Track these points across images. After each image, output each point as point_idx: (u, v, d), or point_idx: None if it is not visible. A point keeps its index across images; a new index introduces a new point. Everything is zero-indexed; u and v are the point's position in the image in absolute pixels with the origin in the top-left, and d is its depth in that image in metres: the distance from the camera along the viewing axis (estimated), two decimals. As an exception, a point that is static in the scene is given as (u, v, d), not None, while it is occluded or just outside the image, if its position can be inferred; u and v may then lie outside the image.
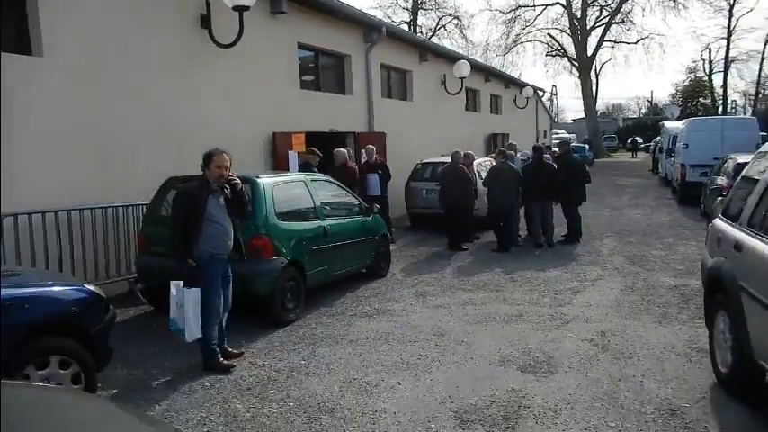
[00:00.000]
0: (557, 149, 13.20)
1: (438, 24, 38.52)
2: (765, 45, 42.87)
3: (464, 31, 38.79)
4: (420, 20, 38.58)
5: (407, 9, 37.93)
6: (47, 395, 2.04)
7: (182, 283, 4.55)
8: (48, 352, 3.63)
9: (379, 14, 35.21)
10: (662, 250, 9.44)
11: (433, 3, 38.01)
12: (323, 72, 11.36)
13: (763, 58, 42.80)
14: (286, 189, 6.24)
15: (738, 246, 4.05)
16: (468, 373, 4.63)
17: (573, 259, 8.97)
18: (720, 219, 4.83)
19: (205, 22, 7.67)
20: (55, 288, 3.86)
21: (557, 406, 3.96)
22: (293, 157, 9.65)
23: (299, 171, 8.53)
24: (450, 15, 38.28)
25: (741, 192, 4.74)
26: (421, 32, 37.36)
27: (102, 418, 1.83)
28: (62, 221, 6.08)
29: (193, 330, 4.56)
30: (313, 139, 10.06)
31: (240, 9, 7.37)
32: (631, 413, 3.84)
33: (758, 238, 3.80)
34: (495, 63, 36.52)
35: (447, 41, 37.52)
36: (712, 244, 4.77)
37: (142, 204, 6.68)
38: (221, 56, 7.91)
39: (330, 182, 7.45)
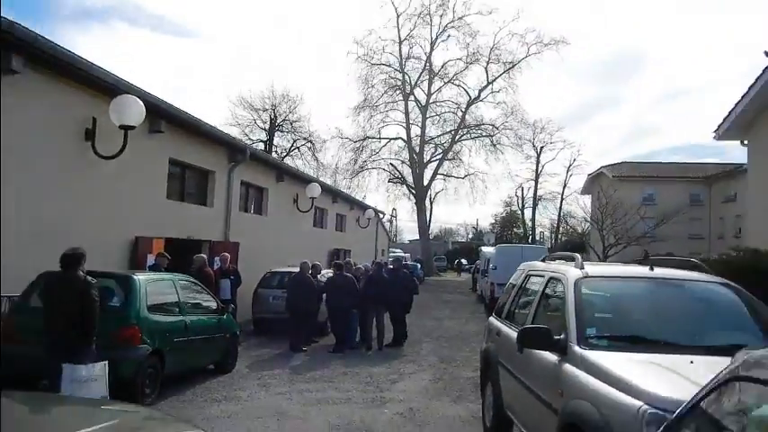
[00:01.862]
0: (391, 266, 15.29)
1: (293, 145, 41.34)
2: (563, 188, 52.07)
3: (316, 153, 41.67)
4: (276, 140, 41.18)
5: (265, 129, 40.39)
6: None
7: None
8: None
9: (236, 131, 37.16)
10: (468, 352, 11.47)
11: (290, 126, 41.01)
12: (189, 184, 12.46)
13: (562, 199, 51.64)
14: (157, 286, 7.20)
15: (497, 332, 5.91)
16: (304, 437, 5.81)
17: (396, 358, 10.60)
18: (493, 316, 6.73)
19: (89, 135, 8.64)
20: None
21: (370, 454, 5.30)
22: (150, 260, 10.41)
23: (147, 270, 9.30)
24: (304, 139, 41.36)
25: (504, 296, 6.75)
26: (276, 152, 39.75)
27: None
28: None
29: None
30: (173, 243, 10.94)
31: (126, 128, 8.50)
32: (422, 457, 5.30)
33: (507, 326, 5.68)
34: (343, 184, 39.74)
35: (300, 161, 40.22)
36: (487, 335, 6.63)
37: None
38: (101, 166, 8.80)
39: (193, 282, 8.46)
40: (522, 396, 4.74)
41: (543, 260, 6.22)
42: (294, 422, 6.33)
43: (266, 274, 13.39)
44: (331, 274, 12.29)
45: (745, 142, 14.25)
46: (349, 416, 6.63)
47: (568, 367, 3.86)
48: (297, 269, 11.86)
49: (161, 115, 10.29)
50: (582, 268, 4.71)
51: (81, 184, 8.70)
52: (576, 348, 3.89)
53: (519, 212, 58.35)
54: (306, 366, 9.70)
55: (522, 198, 56.59)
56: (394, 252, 36.08)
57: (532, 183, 53.69)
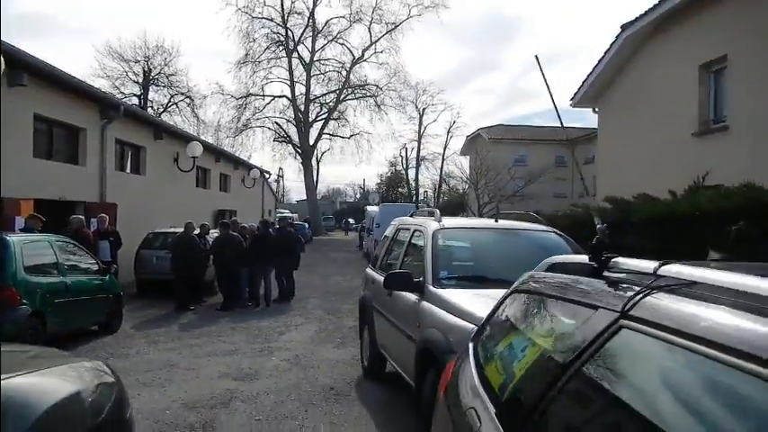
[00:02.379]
0: (277, 225, 15.61)
1: (170, 101, 39.30)
2: (444, 149, 54.36)
3: (196, 110, 39.87)
4: (151, 95, 38.88)
5: (138, 83, 37.94)
6: None
7: None
8: None
9: (106, 84, 34.69)
10: (352, 305, 12.15)
11: (166, 80, 38.84)
12: (58, 142, 11.86)
13: (443, 160, 53.90)
14: (33, 247, 7.08)
15: (372, 280, 6.60)
16: (193, 384, 6.20)
17: (284, 313, 11.12)
18: (369, 267, 7.42)
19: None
20: None
21: (258, 394, 5.84)
22: (19, 222, 9.96)
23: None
24: (182, 94, 39.41)
25: (380, 248, 7.45)
26: (152, 107, 37.66)
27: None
28: None
29: None
30: (43, 205, 10.49)
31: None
32: (306, 392, 5.93)
33: (380, 274, 6.35)
34: (227, 143, 38.69)
35: (179, 118, 38.38)
36: (364, 284, 7.31)
37: None
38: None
39: (71, 243, 8.32)
40: (392, 334, 5.47)
41: (411, 215, 6.96)
42: (184, 372, 6.67)
43: (148, 235, 13.19)
44: (218, 234, 12.42)
45: (596, 110, 16.03)
46: (237, 364, 7.08)
47: (424, 304, 4.59)
48: (180, 230, 11.85)
49: (22, 67, 9.72)
50: (440, 221, 5.46)
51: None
52: (431, 288, 4.63)
53: (404, 172, 60.18)
54: (194, 324, 9.93)
55: (406, 158, 58.37)
56: (281, 212, 36.11)
57: (416, 143, 55.52)
